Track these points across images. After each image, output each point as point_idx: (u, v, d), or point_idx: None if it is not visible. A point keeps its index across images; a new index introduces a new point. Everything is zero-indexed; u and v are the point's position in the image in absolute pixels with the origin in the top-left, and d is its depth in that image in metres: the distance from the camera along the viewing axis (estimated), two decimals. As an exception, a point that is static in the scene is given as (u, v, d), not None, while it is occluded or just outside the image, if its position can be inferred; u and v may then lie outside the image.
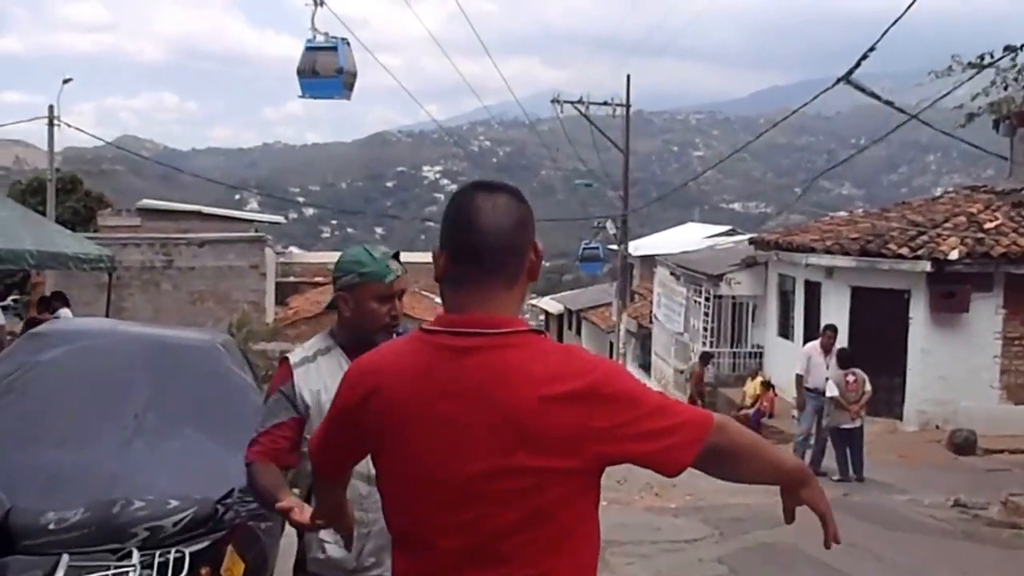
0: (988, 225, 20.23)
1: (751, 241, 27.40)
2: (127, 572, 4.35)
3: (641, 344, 37.03)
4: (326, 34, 18.08)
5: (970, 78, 13.49)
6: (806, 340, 18.99)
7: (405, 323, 3.78)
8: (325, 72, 17.88)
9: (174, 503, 4.63)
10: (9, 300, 36.07)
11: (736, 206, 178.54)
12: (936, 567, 9.54)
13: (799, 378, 15.56)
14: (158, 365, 6.13)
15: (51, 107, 26.73)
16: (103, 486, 4.90)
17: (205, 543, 4.62)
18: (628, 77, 35.39)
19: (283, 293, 35.29)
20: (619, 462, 2.26)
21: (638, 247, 41.16)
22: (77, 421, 5.59)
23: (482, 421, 2.20)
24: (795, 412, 17.54)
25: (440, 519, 2.26)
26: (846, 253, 20.37)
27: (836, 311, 20.05)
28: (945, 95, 13.50)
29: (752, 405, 22.17)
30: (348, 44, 18.27)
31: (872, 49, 12.01)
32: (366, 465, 2.67)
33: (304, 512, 3.08)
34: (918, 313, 19.63)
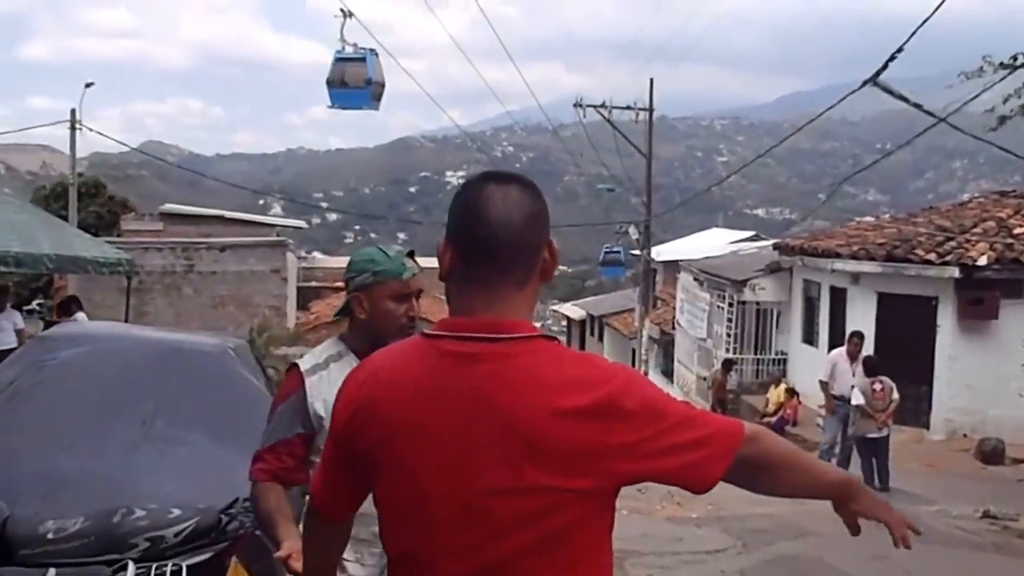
0: (1018, 230, 19.96)
1: (775, 246, 27.18)
2: None
3: (664, 351, 36.80)
4: (355, 45, 18.16)
5: (1002, 79, 13.22)
6: (831, 347, 18.77)
7: (422, 327, 3.57)
8: (354, 83, 17.94)
9: (176, 512, 4.46)
10: (34, 304, 36.27)
11: (760, 212, 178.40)
12: (965, 580, 9.33)
13: (824, 384, 15.35)
14: (167, 370, 6.00)
15: (73, 111, 26.83)
16: (107, 494, 4.75)
17: (208, 554, 4.45)
18: (651, 81, 35.26)
19: (305, 298, 35.21)
20: (640, 481, 2.07)
21: (661, 253, 40.96)
22: (83, 426, 5.46)
23: (488, 435, 2.00)
24: (819, 420, 17.33)
25: (442, 541, 2.05)
26: (872, 258, 20.14)
27: (862, 317, 19.84)
28: (975, 97, 13.24)
29: (775, 413, 21.94)
30: (376, 55, 18.40)
31: (900, 50, 11.80)
32: None
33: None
34: (946, 320, 19.34)
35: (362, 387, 2.18)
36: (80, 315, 14.24)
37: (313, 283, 38.23)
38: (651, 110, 34.65)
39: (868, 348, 16.27)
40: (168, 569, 4.27)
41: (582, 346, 53.76)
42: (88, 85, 28.37)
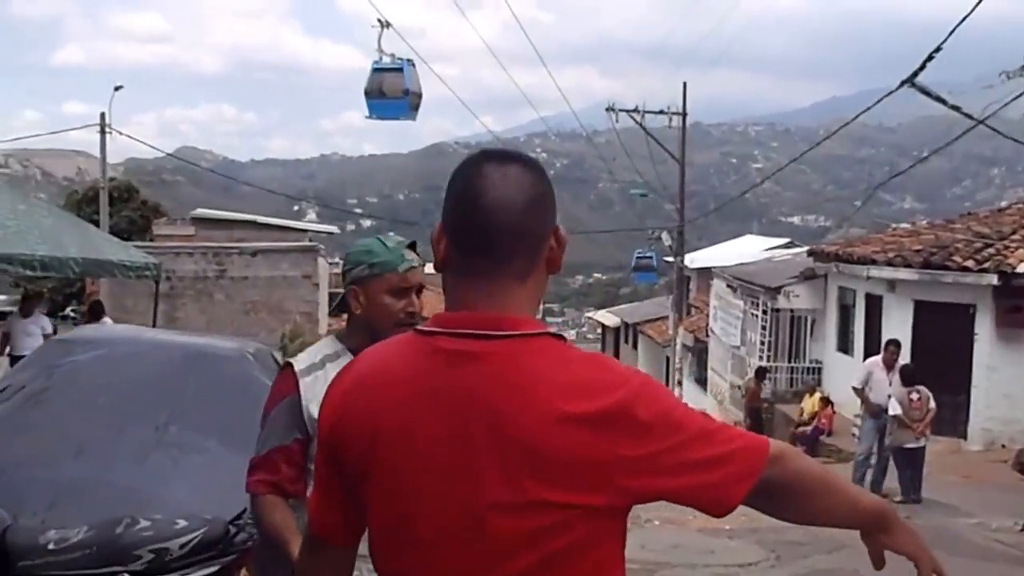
0: (1058, 237, 19.64)
1: (810, 253, 26.88)
2: None
3: (698, 358, 36.56)
4: (392, 55, 18.53)
5: (1042, 81, 12.97)
6: (866, 355, 18.53)
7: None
8: (391, 93, 18.30)
9: (182, 523, 4.31)
10: (68, 310, 36.52)
11: (795, 219, 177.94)
12: (1005, 596, 9.09)
13: (858, 390, 15.08)
14: (184, 374, 5.87)
15: (103, 115, 26.88)
16: (114, 502, 4.63)
17: (214, 567, 4.29)
18: (684, 84, 35.12)
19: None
20: (653, 499, 1.85)
21: (695, 259, 40.75)
22: (96, 432, 5.35)
23: (486, 445, 1.79)
24: (855, 430, 17.07)
25: (436, 561, 1.84)
26: (909, 265, 19.83)
27: (898, 326, 19.54)
28: (1015, 99, 12.97)
29: (810, 422, 21.71)
30: (413, 65, 18.74)
31: (938, 50, 11.57)
32: None
33: None
34: (983, 328, 19.00)
35: (348, 390, 1.96)
36: (106, 320, 14.25)
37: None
38: (684, 114, 34.47)
39: (904, 357, 15.98)
40: None
41: (616, 354, 53.60)
42: (117, 88, 28.47)
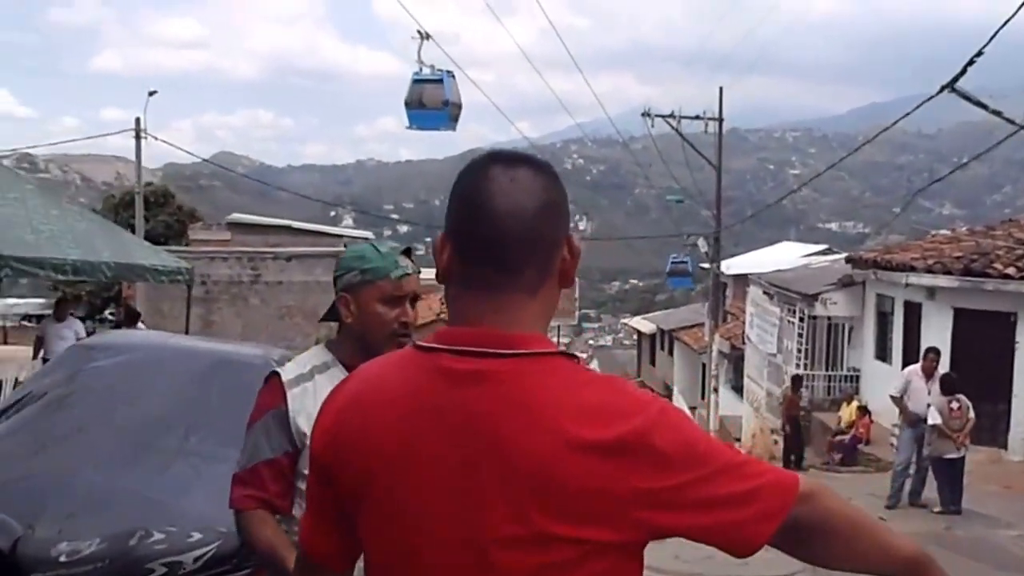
0: (1100, 245, 19.33)
1: (848, 260, 26.58)
2: None
3: (734, 366, 36.30)
4: (432, 67, 18.75)
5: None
6: (905, 363, 18.30)
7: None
8: (431, 104, 18.54)
9: (196, 536, 4.20)
10: (106, 313, 36.75)
11: (833, 226, 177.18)
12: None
13: (895, 398, 14.84)
14: (207, 382, 5.77)
15: (137, 120, 27.01)
16: (130, 513, 4.52)
17: (228, 583, 4.18)
18: (720, 89, 34.80)
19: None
20: (671, 536, 1.69)
21: (731, 266, 40.49)
22: (116, 440, 5.25)
23: (490, 472, 1.65)
24: (893, 440, 16.84)
25: None
26: (949, 272, 19.56)
27: (938, 333, 19.25)
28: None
29: (847, 430, 21.49)
30: (453, 76, 18.96)
31: (979, 54, 11.36)
32: None
33: None
34: (1025, 336, 18.73)
35: (343, 408, 1.82)
36: (140, 325, 14.28)
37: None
38: (720, 119, 34.20)
39: (944, 365, 15.73)
40: None
41: (652, 361, 53.47)
42: (151, 93, 28.56)
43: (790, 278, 29.48)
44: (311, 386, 3.09)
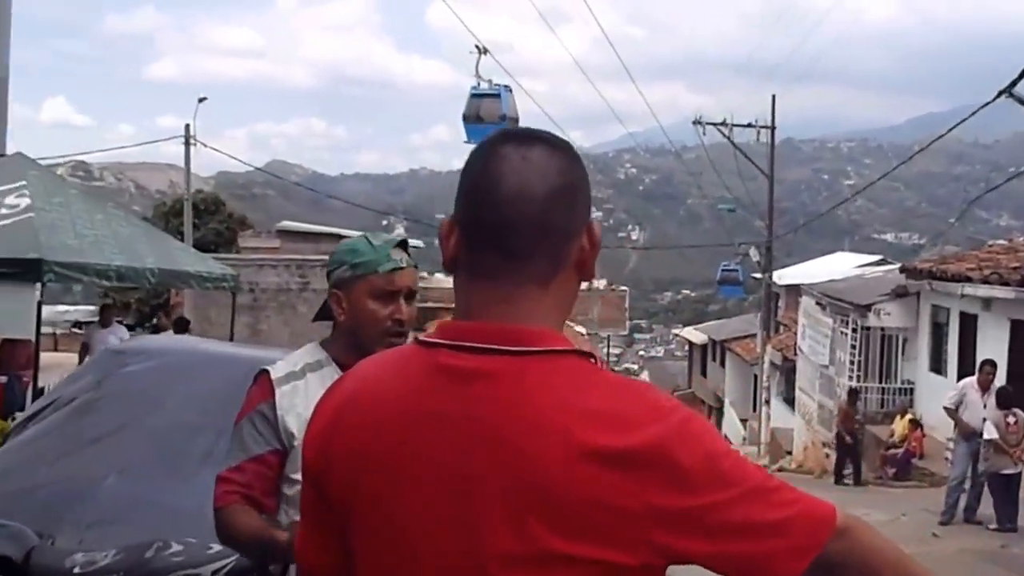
0: None
1: (902, 270, 26.22)
2: None
3: (786, 377, 35.93)
4: (489, 81, 19.17)
5: None
6: (960, 376, 17.95)
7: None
8: (489, 118, 18.82)
9: (216, 548, 4.05)
10: (155, 320, 36.99)
11: (888, 237, 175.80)
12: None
13: (950, 410, 14.52)
14: (239, 388, 5.64)
15: (187, 126, 27.18)
16: (150, 523, 4.40)
17: (248, 597, 4.04)
18: (773, 97, 34.61)
19: (422, 318, 35.13)
20: (689, 562, 1.49)
21: (784, 276, 40.20)
22: (142, 447, 5.13)
23: (490, 482, 1.47)
24: (948, 453, 16.50)
25: None
26: (1005, 283, 19.16)
27: (994, 345, 18.88)
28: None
29: (901, 444, 21.15)
30: (510, 91, 19.37)
31: (1039, 58, 11.09)
32: None
33: None
34: (1084, 349, 18.32)
35: (337, 408, 1.66)
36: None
37: (429, 303, 38.18)
38: (772, 127, 33.96)
39: (1000, 378, 15.38)
40: None
41: (704, 372, 53.12)
42: (201, 100, 28.74)
43: (843, 288, 29.13)
44: (302, 384, 2.94)
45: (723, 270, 40.15)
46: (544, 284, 1.57)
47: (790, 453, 30.36)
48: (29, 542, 4.06)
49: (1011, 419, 13.47)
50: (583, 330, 48.87)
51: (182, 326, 17.92)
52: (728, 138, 34.05)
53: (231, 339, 15.42)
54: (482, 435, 1.49)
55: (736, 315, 58.84)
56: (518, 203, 1.54)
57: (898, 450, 20.99)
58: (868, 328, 25.74)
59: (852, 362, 26.07)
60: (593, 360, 1.56)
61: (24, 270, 10.76)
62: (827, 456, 24.47)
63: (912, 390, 24.95)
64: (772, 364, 35.68)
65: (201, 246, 26.28)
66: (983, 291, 19.69)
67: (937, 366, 23.46)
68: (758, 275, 37.13)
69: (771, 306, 37.20)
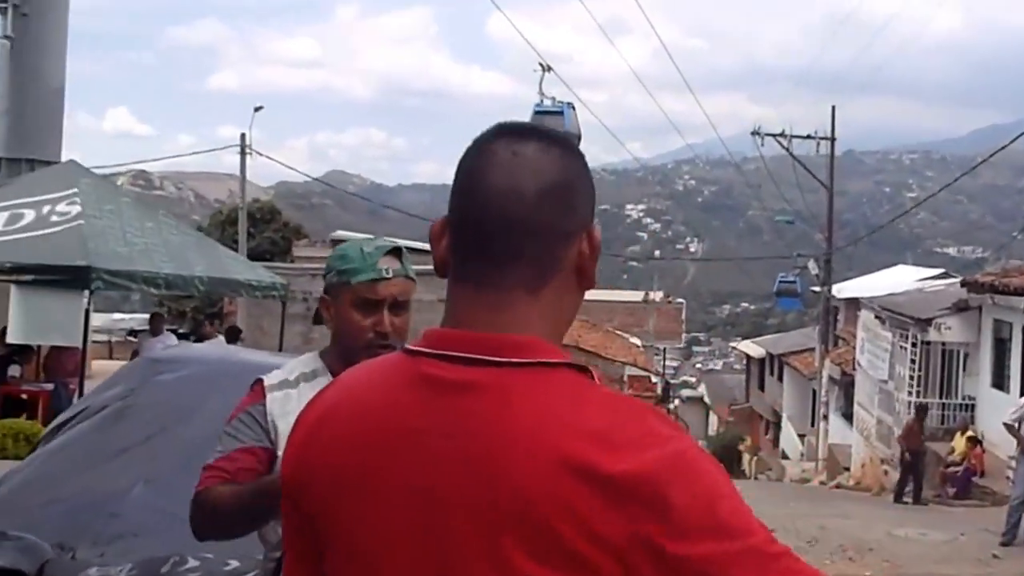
0: None
1: (964, 283, 25.77)
2: None
3: (844, 392, 35.53)
4: (553, 98, 19.28)
5: None
6: (1023, 392, 17.54)
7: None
8: None
9: (233, 564, 3.94)
10: (202, 329, 37.28)
11: (951, 250, 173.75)
12: None
13: (1011, 428, 14.15)
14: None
15: (243, 136, 27.34)
16: (174, 537, 4.28)
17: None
18: (832, 108, 34.28)
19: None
20: None
21: (843, 290, 39.73)
22: (168, 458, 5.04)
23: (464, 502, 1.31)
24: (1010, 472, 16.11)
25: None
26: (1070, 298, 18.78)
27: (1058, 361, 18.50)
28: None
29: (961, 462, 20.71)
30: (573, 108, 19.49)
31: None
32: None
33: None
34: None
35: (316, 422, 1.51)
36: (219, 338, 14.32)
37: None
38: (832, 139, 33.61)
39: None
40: None
41: (761, 386, 52.62)
42: (257, 109, 28.94)
43: (902, 302, 28.71)
44: (295, 393, 2.81)
45: (781, 281, 39.79)
46: (534, 290, 1.42)
47: (848, 469, 29.93)
48: (43, 555, 3.98)
49: (1075, 438, 13.13)
50: (638, 341, 48.63)
51: (233, 335, 17.98)
52: (787, 150, 33.75)
53: (280, 348, 15.37)
54: (458, 453, 1.34)
55: (795, 329, 58.36)
56: (503, 201, 1.40)
57: (958, 468, 20.56)
58: (928, 343, 25.28)
59: (912, 377, 25.62)
60: (588, 374, 1.40)
61: (72, 277, 10.84)
62: (886, 473, 24.05)
63: (973, 406, 24.45)
64: (830, 378, 35.27)
65: (255, 255, 26.35)
66: (1047, 306, 19.33)
67: (999, 382, 22.99)
68: (817, 288, 36.73)
69: (830, 320, 36.77)
